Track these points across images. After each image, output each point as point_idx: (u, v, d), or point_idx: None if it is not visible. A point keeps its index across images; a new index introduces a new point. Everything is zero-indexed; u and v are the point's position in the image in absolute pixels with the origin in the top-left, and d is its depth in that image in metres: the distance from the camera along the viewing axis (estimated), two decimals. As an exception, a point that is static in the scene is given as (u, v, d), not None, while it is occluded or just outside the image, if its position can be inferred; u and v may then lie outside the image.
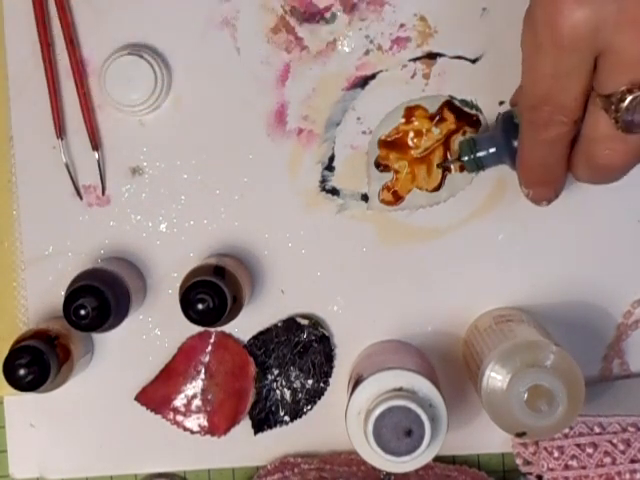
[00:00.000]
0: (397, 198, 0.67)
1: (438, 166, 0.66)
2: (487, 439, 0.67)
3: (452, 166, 0.66)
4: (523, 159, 0.55)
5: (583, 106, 0.49)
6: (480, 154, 0.62)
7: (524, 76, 0.51)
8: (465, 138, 0.65)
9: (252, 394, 0.68)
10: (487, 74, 0.65)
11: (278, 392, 0.68)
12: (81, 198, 0.67)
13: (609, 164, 0.49)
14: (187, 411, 0.68)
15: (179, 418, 0.68)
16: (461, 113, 0.66)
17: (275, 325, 0.67)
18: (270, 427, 0.68)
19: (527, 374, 0.57)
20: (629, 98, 0.46)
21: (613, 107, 0.46)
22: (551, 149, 0.52)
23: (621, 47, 0.45)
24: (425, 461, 0.58)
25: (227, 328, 0.67)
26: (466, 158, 0.63)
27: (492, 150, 0.61)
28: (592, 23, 0.45)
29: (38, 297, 0.67)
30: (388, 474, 0.65)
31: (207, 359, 0.68)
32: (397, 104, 0.66)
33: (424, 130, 0.66)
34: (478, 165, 0.62)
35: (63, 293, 0.61)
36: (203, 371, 0.68)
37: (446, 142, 0.66)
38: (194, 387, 0.68)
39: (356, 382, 0.60)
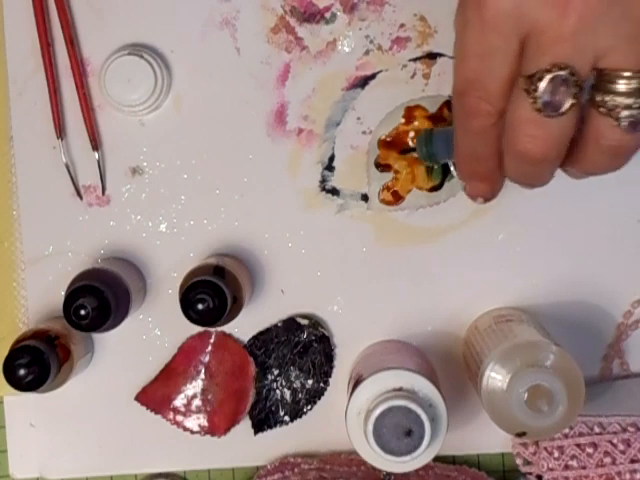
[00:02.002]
0: (397, 198, 0.67)
1: (403, 152, 0.65)
2: (487, 439, 0.67)
3: (452, 167, 0.66)
4: (456, 150, 0.54)
5: (509, 94, 0.47)
6: (433, 148, 0.62)
7: (455, 59, 0.49)
8: (423, 131, 0.64)
9: (252, 394, 0.68)
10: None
11: (278, 392, 0.68)
12: (81, 198, 0.67)
13: (528, 151, 0.47)
14: (187, 411, 0.68)
15: (179, 418, 0.68)
16: (461, 113, 0.66)
17: (275, 325, 0.67)
18: (270, 427, 0.68)
19: (527, 374, 0.57)
20: (547, 77, 0.44)
21: (533, 87, 0.45)
22: (479, 140, 0.50)
23: (544, 26, 0.44)
24: (425, 461, 0.58)
25: (227, 328, 0.67)
26: (421, 151, 0.63)
27: (443, 144, 0.61)
28: (516, 1, 0.44)
29: (38, 297, 0.67)
30: (388, 474, 0.65)
31: (207, 359, 0.68)
32: (397, 104, 0.66)
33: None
34: (432, 158, 0.62)
35: (63, 293, 0.61)
36: (203, 371, 0.68)
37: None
38: (194, 387, 0.68)
39: (356, 382, 0.60)
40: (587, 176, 0.51)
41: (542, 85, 0.45)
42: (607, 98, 0.45)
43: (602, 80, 0.45)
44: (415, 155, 0.66)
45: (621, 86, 0.44)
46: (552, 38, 0.44)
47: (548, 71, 0.44)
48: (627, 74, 0.44)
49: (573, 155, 0.49)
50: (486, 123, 0.49)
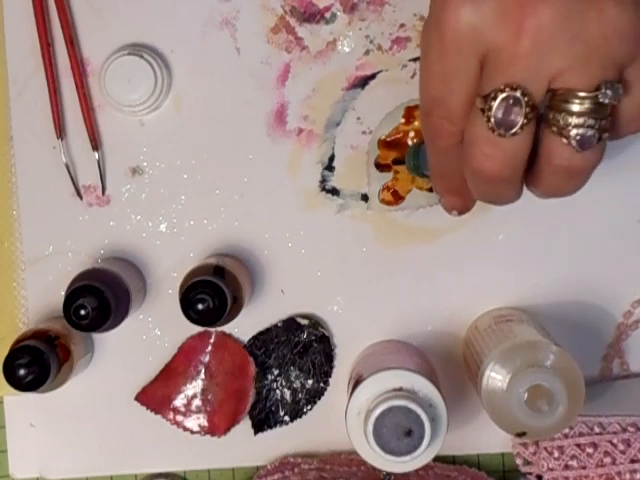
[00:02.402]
0: (397, 198, 0.67)
1: (395, 162, 0.66)
2: (487, 439, 0.67)
3: None
4: (430, 167, 0.55)
5: (469, 113, 0.48)
6: (419, 162, 0.63)
7: (420, 78, 0.50)
8: (412, 145, 0.65)
9: (252, 394, 0.68)
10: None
11: (278, 392, 0.68)
12: (81, 198, 0.67)
13: (484, 169, 0.48)
14: (187, 411, 0.68)
15: (179, 418, 0.68)
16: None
17: (275, 325, 0.67)
18: (270, 427, 0.68)
19: (527, 374, 0.57)
20: (500, 97, 0.45)
21: (487, 106, 0.46)
22: (446, 158, 0.52)
23: (499, 47, 0.45)
24: (425, 461, 0.58)
25: (227, 328, 0.67)
26: (409, 164, 0.64)
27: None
28: (473, 22, 0.45)
29: (38, 297, 0.67)
30: (388, 474, 0.65)
31: (207, 359, 0.68)
32: (397, 104, 0.66)
33: (424, 130, 0.66)
34: (417, 171, 0.64)
35: (63, 293, 0.61)
36: (203, 371, 0.68)
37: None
38: (194, 387, 0.68)
39: (356, 382, 0.60)
40: (549, 197, 0.52)
41: (495, 105, 0.45)
42: (559, 117, 0.45)
43: (556, 100, 0.46)
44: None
45: (575, 106, 0.45)
46: (507, 59, 0.45)
47: (501, 91, 0.45)
48: (581, 94, 0.45)
49: (531, 176, 0.50)
50: (450, 142, 0.50)
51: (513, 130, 0.46)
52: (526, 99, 0.45)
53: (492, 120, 0.46)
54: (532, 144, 0.47)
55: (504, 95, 0.45)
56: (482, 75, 0.46)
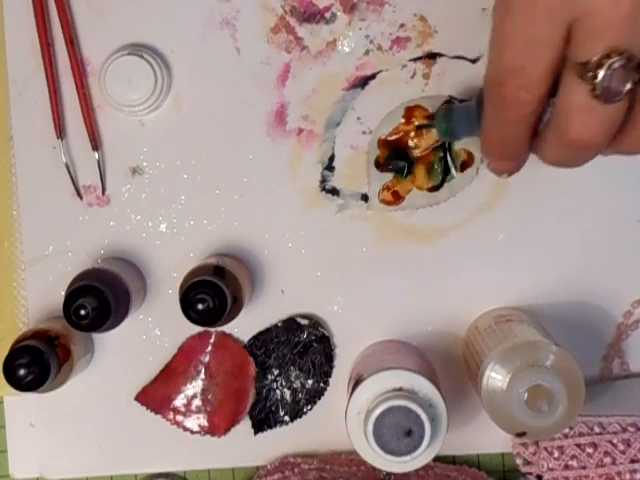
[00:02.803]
0: (397, 198, 0.67)
1: (419, 127, 0.65)
2: (487, 439, 0.67)
3: (452, 167, 0.66)
4: (485, 134, 0.54)
5: (550, 81, 0.47)
6: (453, 124, 0.61)
7: (492, 48, 0.49)
8: (442, 106, 0.64)
9: (252, 394, 0.68)
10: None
11: (278, 392, 0.68)
12: (81, 198, 0.67)
13: (582, 138, 0.47)
14: (187, 411, 0.68)
15: (179, 418, 0.68)
16: (461, 113, 0.66)
17: (275, 325, 0.67)
18: (270, 427, 0.68)
19: (527, 374, 0.57)
20: (606, 64, 0.44)
21: (590, 74, 0.44)
22: (514, 129, 0.50)
23: (597, 11, 0.44)
24: (425, 461, 0.58)
25: (227, 328, 0.67)
26: (440, 127, 0.62)
27: (464, 121, 0.60)
28: None
29: (38, 297, 0.67)
30: (388, 474, 0.65)
31: (207, 359, 0.68)
32: (397, 104, 0.66)
33: (424, 130, 0.66)
34: (451, 134, 0.62)
35: (63, 293, 0.61)
36: (203, 371, 0.68)
37: (445, 142, 0.66)
38: (194, 387, 0.68)
39: (356, 382, 0.60)
40: (622, 155, 0.51)
41: (602, 71, 0.44)
42: None
43: None
44: (416, 154, 0.66)
45: None
46: (606, 23, 0.44)
47: (607, 57, 0.44)
48: None
49: (618, 134, 0.48)
50: (523, 112, 0.48)
51: (620, 96, 0.45)
52: (632, 63, 0.44)
53: (598, 87, 0.44)
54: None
55: (611, 61, 0.44)
56: (572, 40, 0.45)
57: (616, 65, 0.44)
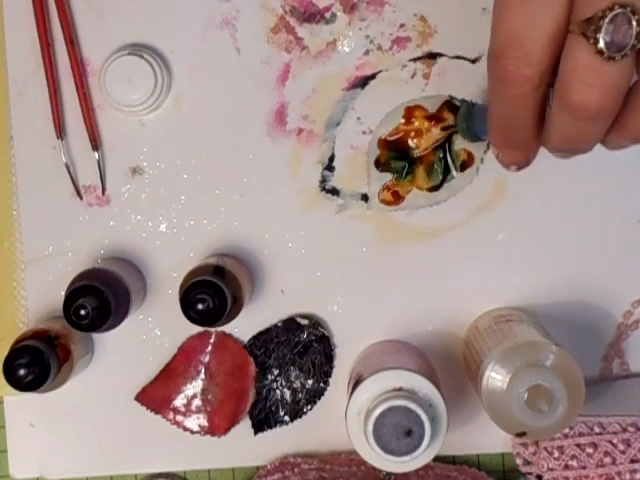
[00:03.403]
0: (397, 198, 0.67)
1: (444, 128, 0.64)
2: (487, 439, 0.67)
3: (452, 167, 0.66)
4: (489, 117, 0.51)
5: (553, 54, 0.45)
6: (474, 124, 0.60)
7: (493, 16, 0.47)
8: (464, 104, 0.63)
9: (252, 394, 0.68)
10: (487, 74, 0.65)
11: (278, 392, 0.68)
12: (81, 198, 0.67)
13: (583, 102, 0.45)
14: (187, 411, 0.68)
15: (179, 418, 0.68)
16: (461, 113, 0.66)
17: (275, 325, 0.67)
18: (270, 427, 0.68)
19: (527, 374, 0.57)
20: (609, 16, 0.43)
21: (593, 28, 0.43)
22: (516, 107, 0.48)
23: None
24: (425, 461, 0.58)
25: (227, 328, 0.67)
26: (461, 127, 0.62)
27: (484, 121, 0.57)
28: None
29: (38, 297, 0.67)
30: (388, 474, 0.65)
31: (207, 359, 0.68)
32: (397, 104, 0.66)
33: (424, 130, 0.66)
34: (472, 134, 0.61)
35: (63, 293, 0.61)
36: (203, 371, 0.68)
37: (445, 142, 0.66)
38: (194, 387, 0.68)
39: (356, 382, 0.60)
40: (629, 145, 0.49)
41: (604, 23, 0.43)
42: None
43: None
44: (416, 154, 0.66)
45: None
46: None
47: (610, 9, 0.43)
48: None
49: (623, 114, 0.47)
50: (523, 89, 0.46)
51: (624, 51, 0.43)
52: (637, 17, 0.43)
53: (601, 41, 0.43)
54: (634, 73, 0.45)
55: (614, 12, 0.43)
56: (576, 3, 0.44)
57: (619, 17, 0.43)
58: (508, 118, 0.49)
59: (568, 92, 0.45)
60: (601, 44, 0.43)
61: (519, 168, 0.53)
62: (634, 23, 0.43)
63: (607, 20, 0.43)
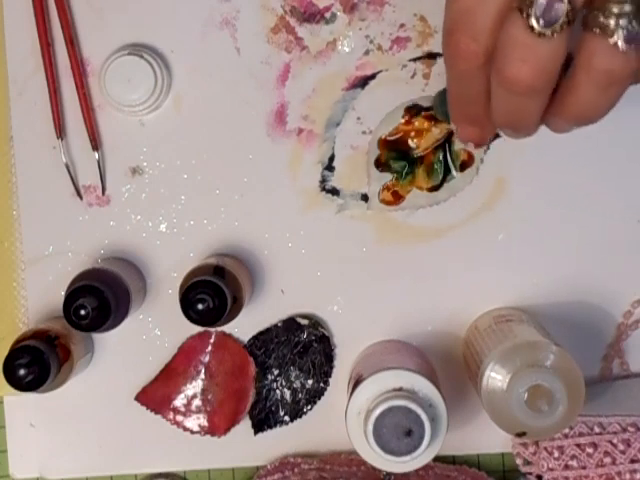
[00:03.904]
0: (397, 198, 0.67)
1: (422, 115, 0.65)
2: (487, 439, 0.67)
3: (452, 167, 0.66)
4: (447, 93, 0.53)
5: (497, 32, 0.46)
6: (447, 106, 0.61)
7: None
8: (440, 91, 0.64)
9: (252, 394, 0.68)
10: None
11: (278, 392, 0.68)
12: (81, 198, 0.67)
13: (516, 76, 0.46)
14: (187, 411, 0.68)
15: (179, 418, 0.68)
16: (461, 113, 0.66)
17: (275, 325, 0.67)
18: (270, 427, 0.68)
19: (527, 374, 0.57)
20: None
21: (527, 2, 0.44)
22: (467, 82, 0.49)
23: None
24: (425, 461, 0.58)
25: (227, 328, 0.67)
26: (436, 110, 0.62)
27: None
28: None
29: (38, 297, 0.67)
30: (388, 474, 0.65)
31: (207, 359, 0.68)
32: (397, 104, 0.66)
33: (424, 130, 0.66)
34: (447, 117, 0.62)
35: (63, 293, 0.61)
36: (203, 371, 0.68)
37: (445, 142, 0.66)
38: (194, 387, 0.68)
39: (356, 382, 0.60)
40: (572, 126, 0.50)
41: None
42: (601, 18, 0.44)
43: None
44: (416, 154, 0.66)
45: (619, 4, 0.43)
46: None
47: None
48: None
49: (560, 99, 0.48)
50: (473, 64, 0.48)
51: (554, 27, 0.44)
52: None
53: (532, 16, 0.44)
54: (566, 54, 0.45)
55: None
56: None
57: None
58: (462, 94, 0.51)
59: (503, 66, 0.46)
60: (532, 19, 0.44)
61: (477, 145, 0.55)
62: (565, 0, 0.44)
63: None
